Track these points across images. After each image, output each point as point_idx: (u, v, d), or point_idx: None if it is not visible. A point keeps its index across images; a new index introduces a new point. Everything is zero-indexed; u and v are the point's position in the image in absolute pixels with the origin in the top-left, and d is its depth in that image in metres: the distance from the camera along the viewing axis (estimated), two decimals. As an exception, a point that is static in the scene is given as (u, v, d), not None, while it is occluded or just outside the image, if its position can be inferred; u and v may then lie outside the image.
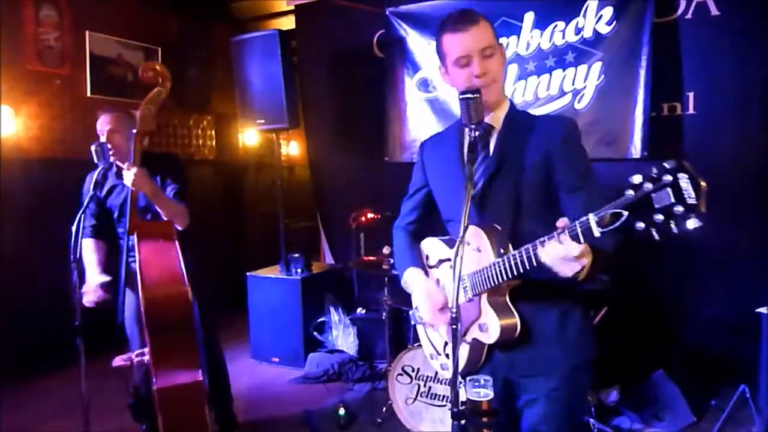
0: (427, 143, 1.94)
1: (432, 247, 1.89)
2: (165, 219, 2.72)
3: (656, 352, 3.62)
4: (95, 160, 2.79)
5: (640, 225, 1.11)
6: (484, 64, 1.62)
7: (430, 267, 1.87)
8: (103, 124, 2.91)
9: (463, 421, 1.30)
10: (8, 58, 4.40)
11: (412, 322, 1.95)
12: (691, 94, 3.63)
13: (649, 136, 3.61)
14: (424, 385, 3.28)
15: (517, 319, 1.56)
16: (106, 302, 2.83)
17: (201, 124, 6.24)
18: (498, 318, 1.54)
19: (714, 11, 3.49)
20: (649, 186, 1.10)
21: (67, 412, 3.47)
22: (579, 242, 1.26)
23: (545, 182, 1.61)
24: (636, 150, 3.64)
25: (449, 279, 1.72)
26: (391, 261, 3.62)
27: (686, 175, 1.05)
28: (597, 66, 3.75)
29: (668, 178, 1.07)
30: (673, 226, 1.07)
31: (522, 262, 1.42)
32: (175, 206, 2.78)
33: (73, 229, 2.68)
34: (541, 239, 1.35)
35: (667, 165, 1.08)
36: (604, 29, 3.72)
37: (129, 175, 2.52)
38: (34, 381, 4.23)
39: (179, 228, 2.73)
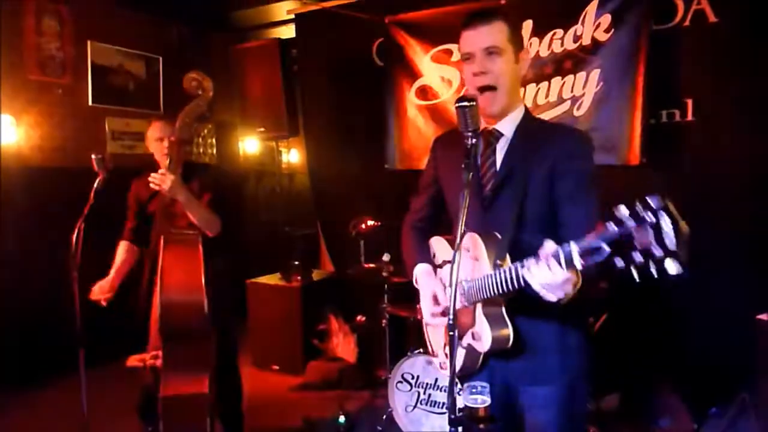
0: (440, 140, 1.94)
1: (438, 246, 1.89)
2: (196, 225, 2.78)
3: (656, 359, 3.61)
4: (96, 169, 2.83)
5: (620, 263, 1.06)
6: (485, 63, 1.62)
7: (436, 266, 1.87)
8: (157, 131, 3.00)
9: (460, 428, 1.30)
10: (10, 67, 4.42)
11: (418, 316, 1.95)
12: (689, 101, 3.64)
13: (647, 142, 3.61)
14: (424, 393, 3.27)
15: (510, 331, 1.54)
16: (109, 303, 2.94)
17: (201, 132, 6.26)
18: (490, 329, 1.54)
19: (712, 18, 3.50)
20: (632, 223, 1.04)
21: (68, 419, 3.46)
22: (563, 269, 1.23)
23: (550, 194, 1.61)
24: (635, 157, 3.65)
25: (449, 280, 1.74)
26: (391, 269, 3.62)
27: (669, 218, 1.00)
28: (595, 73, 3.77)
29: (651, 217, 1.01)
30: (653, 268, 1.02)
31: (510, 280, 1.41)
32: (208, 215, 2.84)
33: (74, 237, 2.71)
34: (528, 261, 1.33)
35: (651, 202, 1.02)
36: (602, 37, 3.73)
37: (166, 182, 2.62)
38: (35, 388, 4.22)
39: (210, 234, 2.82)
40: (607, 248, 1.08)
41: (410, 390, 3.31)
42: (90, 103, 4.98)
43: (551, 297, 1.32)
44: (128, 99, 5.28)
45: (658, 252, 1.00)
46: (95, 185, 2.88)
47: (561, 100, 3.90)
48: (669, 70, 3.64)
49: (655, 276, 1.02)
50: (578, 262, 1.17)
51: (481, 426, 1.29)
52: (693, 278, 3.67)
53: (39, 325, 4.36)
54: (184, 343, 2.37)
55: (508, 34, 1.64)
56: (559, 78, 3.89)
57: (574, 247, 1.17)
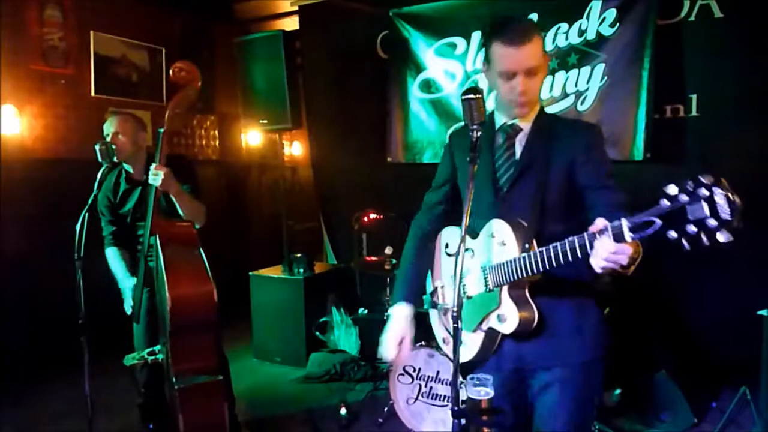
0: (456, 134, 1.95)
1: (453, 235, 1.89)
2: (184, 218, 2.75)
3: (658, 354, 3.62)
4: (100, 159, 2.80)
5: (673, 234, 1.16)
6: (527, 82, 1.63)
7: (449, 255, 1.88)
8: (110, 127, 2.94)
9: (463, 420, 1.30)
10: (12, 57, 4.41)
11: (425, 307, 1.94)
12: (694, 96, 3.63)
13: (652, 137, 3.61)
14: (426, 386, 3.28)
15: (535, 313, 1.59)
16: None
17: (204, 124, 6.26)
18: (517, 310, 1.58)
19: (717, 13, 3.49)
20: (684, 198, 1.14)
21: (72, 412, 3.48)
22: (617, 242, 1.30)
23: (569, 185, 1.65)
24: (639, 152, 3.65)
25: (469, 266, 1.72)
26: (393, 261, 3.62)
27: (722, 192, 1.11)
28: (600, 68, 3.76)
29: (704, 192, 1.12)
30: (704, 238, 1.13)
31: (566, 252, 1.39)
32: (197, 206, 2.84)
33: (78, 228, 2.70)
34: (589, 234, 1.34)
35: (703, 179, 1.13)
36: (607, 31, 3.72)
37: (159, 175, 2.56)
38: (39, 381, 4.24)
39: (198, 226, 2.79)
40: (659, 221, 1.18)
41: (412, 383, 3.32)
42: (93, 93, 4.97)
43: (612, 265, 1.34)
44: (131, 90, 5.27)
45: (712, 224, 1.12)
46: (99, 176, 2.87)
47: (565, 95, 3.89)
48: (674, 65, 3.63)
49: (707, 244, 1.14)
50: (628, 236, 1.24)
51: (484, 418, 1.29)
52: (694, 273, 3.67)
53: (42, 317, 4.37)
54: (195, 334, 2.37)
55: (543, 47, 1.67)
56: (563, 72, 3.88)
57: (624, 222, 1.25)
